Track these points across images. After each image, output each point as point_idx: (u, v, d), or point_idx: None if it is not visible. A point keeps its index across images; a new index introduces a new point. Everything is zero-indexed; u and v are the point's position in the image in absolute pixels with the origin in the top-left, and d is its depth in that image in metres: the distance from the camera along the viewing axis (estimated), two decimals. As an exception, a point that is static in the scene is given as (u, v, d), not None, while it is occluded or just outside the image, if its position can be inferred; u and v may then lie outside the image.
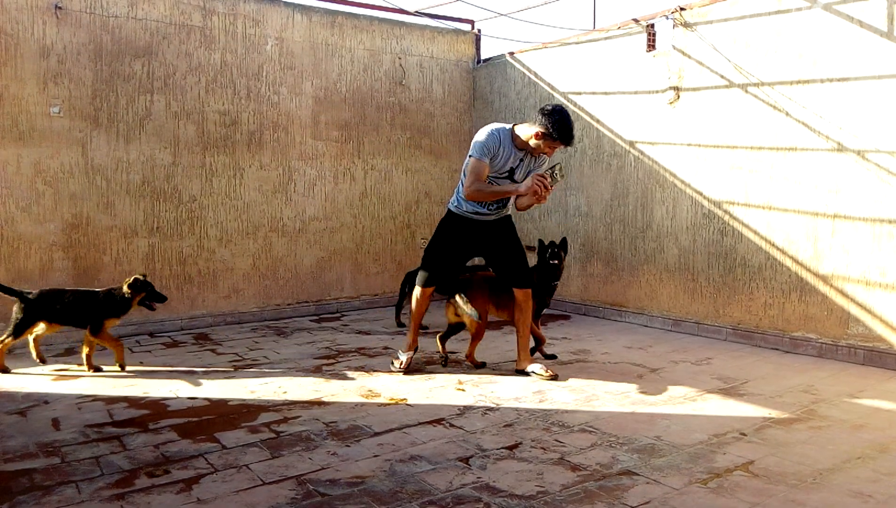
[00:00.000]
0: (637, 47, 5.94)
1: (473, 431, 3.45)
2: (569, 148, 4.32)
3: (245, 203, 6.28)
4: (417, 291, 4.54)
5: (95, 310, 4.60)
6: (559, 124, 4.00)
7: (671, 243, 5.81)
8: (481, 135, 4.19)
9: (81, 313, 4.61)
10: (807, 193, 4.90)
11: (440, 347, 4.75)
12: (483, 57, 7.63)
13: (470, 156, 4.20)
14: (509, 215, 4.57)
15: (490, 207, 4.37)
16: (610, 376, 4.45)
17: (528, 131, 4.11)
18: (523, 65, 7.06)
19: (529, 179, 4.07)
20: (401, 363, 4.57)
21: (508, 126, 4.23)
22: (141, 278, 4.70)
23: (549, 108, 4.06)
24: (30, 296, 4.58)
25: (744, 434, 3.36)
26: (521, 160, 4.24)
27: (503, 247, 4.48)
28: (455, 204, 4.45)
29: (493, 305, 4.63)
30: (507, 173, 4.25)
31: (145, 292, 4.69)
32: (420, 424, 3.55)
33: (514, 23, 7.93)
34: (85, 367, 4.63)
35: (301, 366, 4.75)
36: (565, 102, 6.61)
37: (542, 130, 4.03)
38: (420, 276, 4.55)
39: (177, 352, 5.21)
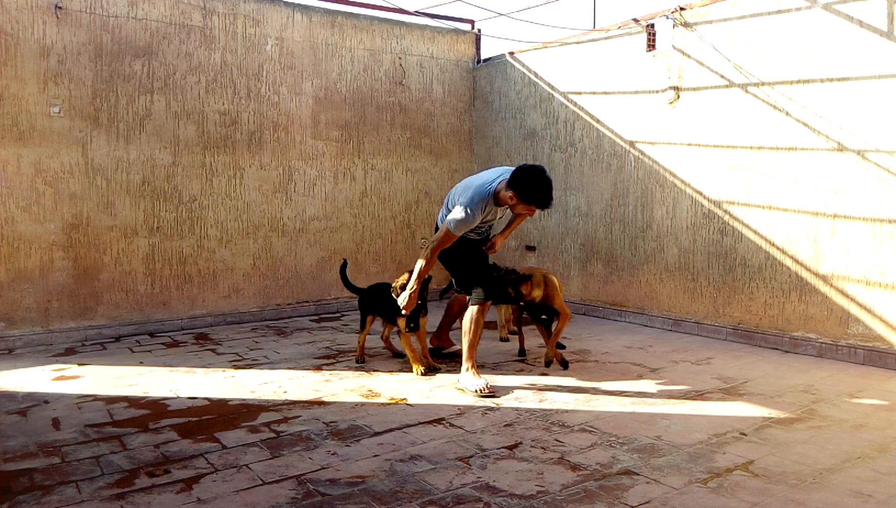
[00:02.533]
0: (637, 47, 5.94)
1: (473, 431, 3.45)
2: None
3: (245, 203, 6.28)
4: (474, 310, 4.27)
5: (392, 305, 4.53)
6: (529, 190, 3.93)
7: (671, 242, 5.81)
8: (460, 209, 4.06)
9: (388, 308, 4.63)
10: (807, 192, 4.90)
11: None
12: (483, 57, 7.63)
13: (444, 225, 4.11)
14: None
15: (479, 234, 4.50)
16: (610, 375, 4.45)
17: (504, 193, 4.03)
18: (523, 65, 7.06)
19: (410, 301, 4.24)
20: (482, 390, 4.05)
21: (493, 187, 4.09)
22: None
23: (523, 170, 3.98)
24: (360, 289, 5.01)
25: (744, 434, 3.36)
26: (499, 210, 4.28)
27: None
28: None
29: None
30: (486, 226, 4.42)
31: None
32: (420, 424, 3.55)
33: (514, 23, 7.93)
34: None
35: (301, 366, 4.75)
36: (565, 101, 6.62)
37: (517, 193, 3.97)
38: (476, 295, 4.32)
39: (177, 352, 5.21)
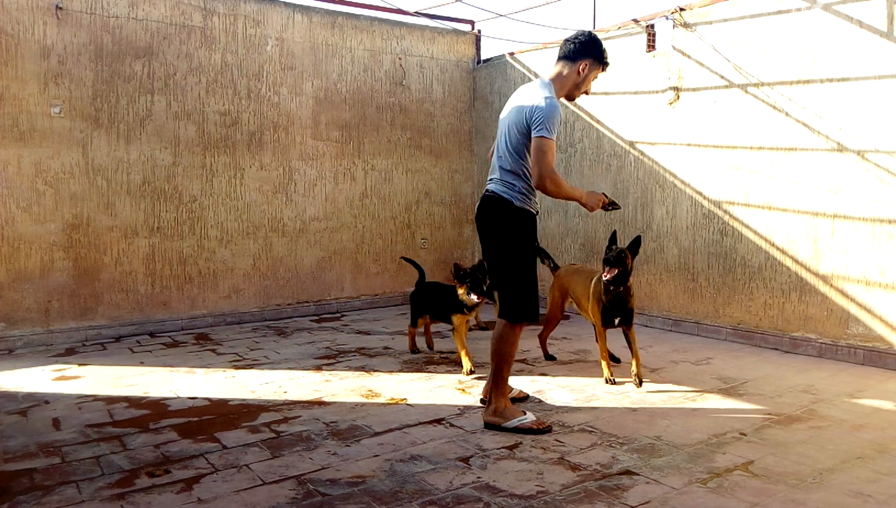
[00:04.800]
0: (637, 48, 5.94)
1: (473, 431, 3.45)
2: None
3: (245, 203, 6.28)
4: (510, 331, 3.48)
5: (446, 304, 4.63)
6: (599, 44, 3.48)
7: (671, 243, 5.81)
8: (546, 107, 3.32)
9: (441, 308, 4.73)
10: (806, 193, 4.90)
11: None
12: (483, 57, 7.63)
13: (539, 135, 3.29)
14: None
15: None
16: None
17: (568, 73, 3.50)
18: (523, 65, 7.06)
19: (595, 197, 3.50)
20: (536, 424, 3.46)
21: (548, 83, 3.50)
22: (463, 268, 4.48)
23: (583, 36, 3.49)
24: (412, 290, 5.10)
25: (744, 434, 3.36)
26: None
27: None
28: (522, 198, 3.45)
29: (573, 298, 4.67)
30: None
31: (467, 284, 4.42)
32: (420, 424, 3.55)
33: (513, 23, 7.93)
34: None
35: (301, 366, 4.75)
36: (565, 101, 6.60)
37: (591, 60, 3.48)
38: (525, 308, 3.46)
39: (177, 352, 5.21)
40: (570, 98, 3.67)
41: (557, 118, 3.36)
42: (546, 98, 3.38)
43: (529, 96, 3.45)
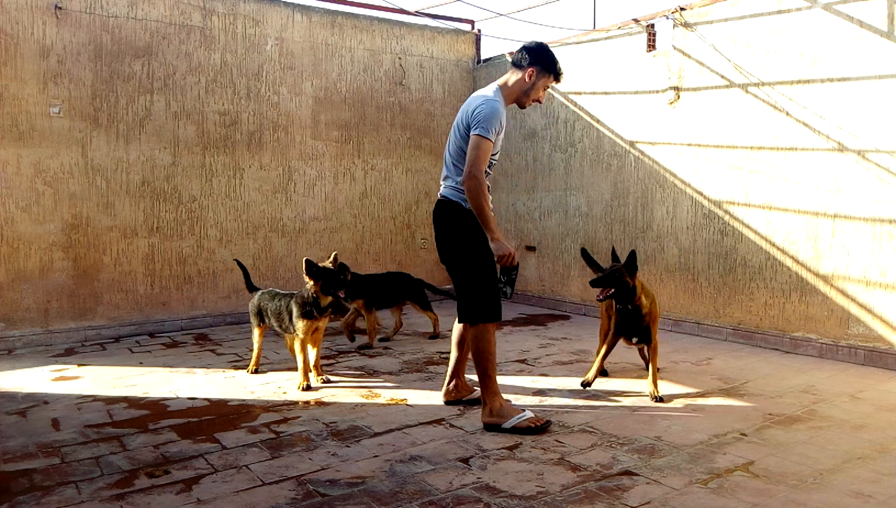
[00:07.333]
0: (637, 47, 5.94)
1: (473, 431, 3.44)
2: (558, 85, 3.72)
3: (245, 203, 6.27)
4: (483, 329, 3.48)
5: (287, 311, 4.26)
6: (548, 55, 3.54)
7: (671, 243, 5.80)
8: (486, 107, 3.38)
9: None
10: (807, 193, 4.89)
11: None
12: (483, 57, 7.63)
13: (475, 133, 3.35)
14: None
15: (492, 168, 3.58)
16: (610, 376, 4.44)
17: (517, 80, 3.55)
18: (523, 65, 7.04)
19: (508, 244, 3.38)
20: (533, 421, 3.45)
21: (497, 88, 3.57)
22: (316, 264, 4.11)
23: (532, 44, 3.56)
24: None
25: (744, 435, 3.35)
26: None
27: None
28: (462, 196, 3.47)
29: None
30: (498, 151, 3.60)
31: (320, 283, 4.06)
32: (420, 424, 3.55)
33: (514, 23, 7.93)
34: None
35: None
36: (565, 101, 6.61)
37: (540, 68, 3.52)
38: (485, 308, 3.46)
39: (177, 352, 5.20)
40: (521, 105, 3.67)
41: (496, 120, 3.40)
42: (489, 99, 3.45)
43: (475, 98, 3.53)
